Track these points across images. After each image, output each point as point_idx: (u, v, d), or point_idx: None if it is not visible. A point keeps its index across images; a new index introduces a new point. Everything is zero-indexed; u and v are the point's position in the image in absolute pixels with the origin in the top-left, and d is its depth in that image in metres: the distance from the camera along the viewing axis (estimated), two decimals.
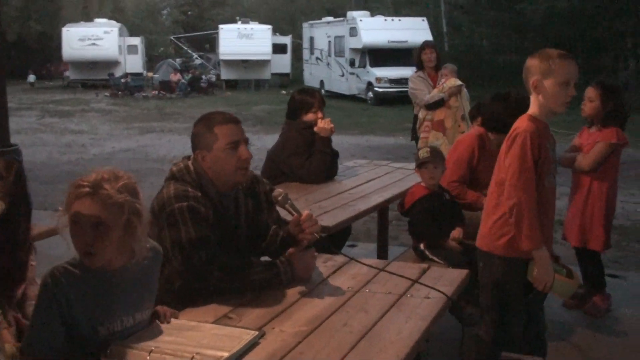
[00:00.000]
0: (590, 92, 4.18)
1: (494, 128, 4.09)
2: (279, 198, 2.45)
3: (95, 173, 1.80)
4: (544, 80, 2.66)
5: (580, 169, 4.16)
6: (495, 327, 2.88)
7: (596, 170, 4.10)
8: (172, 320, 2.03)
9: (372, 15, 25.40)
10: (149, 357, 1.73)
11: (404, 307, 2.21)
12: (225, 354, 1.76)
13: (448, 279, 2.48)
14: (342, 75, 25.12)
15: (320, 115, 4.22)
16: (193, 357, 1.72)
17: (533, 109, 2.76)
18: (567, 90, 2.66)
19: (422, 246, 3.71)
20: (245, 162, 2.43)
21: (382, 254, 4.74)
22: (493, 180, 2.86)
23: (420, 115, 6.39)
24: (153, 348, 1.76)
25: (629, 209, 7.32)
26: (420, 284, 2.40)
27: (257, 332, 1.94)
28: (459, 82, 6.24)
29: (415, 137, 6.73)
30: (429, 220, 3.72)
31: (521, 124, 2.73)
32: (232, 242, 2.44)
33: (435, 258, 3.61)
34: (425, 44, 6.61)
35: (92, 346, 1.80)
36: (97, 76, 29.68)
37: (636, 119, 17.06)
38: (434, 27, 25.31)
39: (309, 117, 4.18)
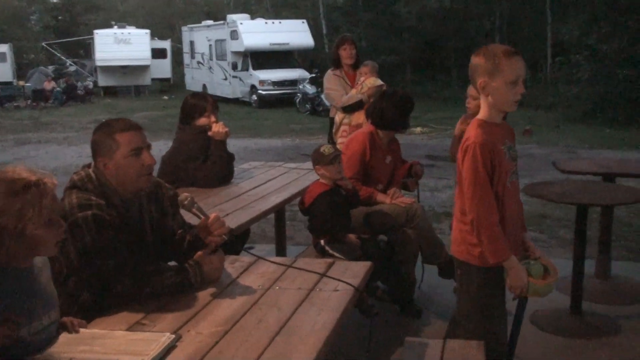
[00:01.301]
0: (473, 90, 4.39)
1: (382, 125, 4.25)
2: (185, 202, 2.45)
3: None
4: (491, 80, 2.54)
5: None
6: (478, 335, 2.75)
7: None
8: (82, 330, 2.00)
9: (253, 18, 25.44)
10: None
11: (315, 301, 2.28)
12: (145, 358, 1.76)
13: (353, 271, 2.58)
14: (225, 79, 25.00)
15: (213, 119, 4.21)
16: None
17: (483, 111, 2.65)
18: (516, 88, 2.54)
19: (322, 242, 3.81)
20: (149, 168, 2.42)
21: (281, 253, 4.81)
22: (457, 182, 2.76)
23: (337, 118, 5.75)
24: (70, 358, 1.73)
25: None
26: (328, 277, 2.48)
27: (173, 336, 1.94)
28: (379, 82, 5.60)
29: (332, 143, 5.87)
30: (330, 216, 3.82)
31: (471, 133, 2.61)
32: (139, 249, 2.41)
33: (335, 253, 3.71)
34: (344, 39, 5.92)
35: (14, 349, 1.75)
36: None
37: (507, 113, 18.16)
38: (314, 29, 25.70)
39: (202, 121, 4.17)
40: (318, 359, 1.87)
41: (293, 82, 22.29)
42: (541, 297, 2.76)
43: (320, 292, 2.36)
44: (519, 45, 24.27)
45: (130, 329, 2.05)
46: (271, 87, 22.67)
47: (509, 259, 2.58)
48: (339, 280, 2.43)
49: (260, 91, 22.69)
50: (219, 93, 25.40)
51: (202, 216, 2.45)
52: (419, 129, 15.30)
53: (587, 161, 5.44)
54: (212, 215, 2.45)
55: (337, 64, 5.85)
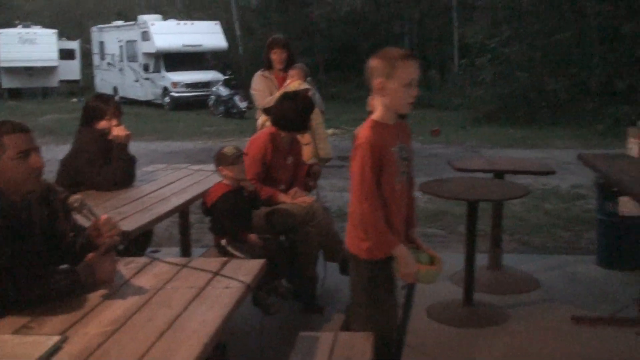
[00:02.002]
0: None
1: (282, 126, 4.35)
2: (75, 204, 2.46)
3: None
4: (387, 82, 2.64)
5: None
6: (371, 324, 2.87)
7: None
8: None
9: (165, 19, 25.07)
10: None
11: (206, 299, 2.34)
12: None
13: (246, 269, 2.65)
14: (137, 80, 24.53)
15: (114, 122, 4.18)
16: None
17: (378, 112, 2.75)
18: (410, 90, 2.66)
19: (223, 242, 3.87)
20: (37, 170, 2.40)
21: (185, 255, 4.83)
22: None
23: (260, 120, 5.61)
24: None
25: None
26: (221, 275, 2.55)
27: (59, 337, 1.96)
28: (305, 86, 5.41)
29: None
30: (231, 216, 3.89)
31: (363, 133, 2.71)
32: (27, 253, 2.40)
33: (236, 253, 3.78)
34: (274, 42, 5.69)
35: None
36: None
37: (415, 113, 18.70)
38: (228, 31, 25.59)
39: (103, 124, 4.14)
40: (204, 352, 1.93)
41: (206, 84, 22.14)
42: (430, 283, 2.96)
43: (212, 290, 2.43)
44: (427, 48, 25.11)
45: (16, 332, 2.05)
46: (184, 89, 22.43)
47: (397, 248, 2.73)
48: (230, 277, 2.50)
49: (172, 93, 22.39)
50: (130, 95, 24.92)
51: (92, 218, 2.47)
52: (331, 131, 15.52)
53: (479, 159, 5.74)
54: (102, 217, 2.47)
55: (268, 66, 5.69)
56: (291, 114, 4.29)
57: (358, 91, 24.14)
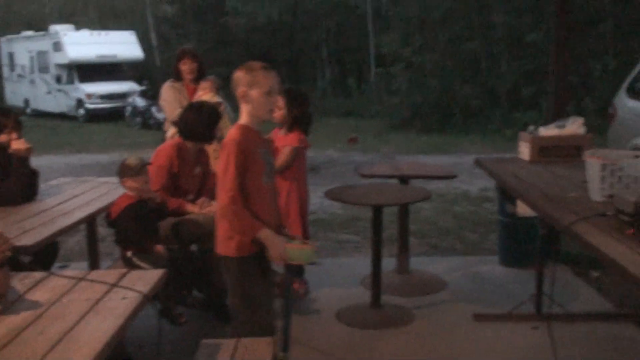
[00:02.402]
0: (279, 100, 4.62)
1: (189, 137, 4.36)
2: None
3: None
4: (250, 90, 2.91)
5: None
6: (249, 327, 2.99)
7: (283, 172, 4.54)
8: None
9: (77, 29, 24.44)
10: None
11: (102, 310, 2.34)
12: None
13: (146, 279, 2.65)
14: (49, 92, 23.79)
15: (14, 135, 4.09)
16: None
17: (243, 117, 2.99)
18: (270, 98, 2.95)
19: (129, 254, 3.85)
20: None
21: (94, 269, 4.74)
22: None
23: (170, 133, 5.36)
24: None
25: (326, 204, 8.12)
26: (118, 286, 2.55)
27: None
28: (217, 99, 5.36)
29: None
30: (136, 227, 3.87)
31: (229, 134, 2.94)
32: None
33: (142, 264, 3.76)
34: (184, 52, 5.61)
35: None
36: None
37: (334, 122, 18.95)
38: (144, 41, 25.21)
39: (2, 138, 4.04)
40: None
41: (122, 95, 21.71)
42: (304, 262, 3.18)
43: (108, 301, 2.42)
44: (345, 57, 25.49)
45: None
46: (99, 101, 21.93)
47: (261, 231, 2.88)
48: (127, 288, 2.51)
49: (87, 105, 21.86)
50: (42, 108, 24.17)
51: None
52: None
53: (385, 165, 5.90)
54: None
55: (177, 76, 5.59)
56: (196, 125, 4.32)
57: None
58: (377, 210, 4.34)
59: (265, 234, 2.89)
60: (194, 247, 4.45)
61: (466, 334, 4.20)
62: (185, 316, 3.92)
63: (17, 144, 4.05)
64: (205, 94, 5.43)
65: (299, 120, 4.56)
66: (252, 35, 25.16)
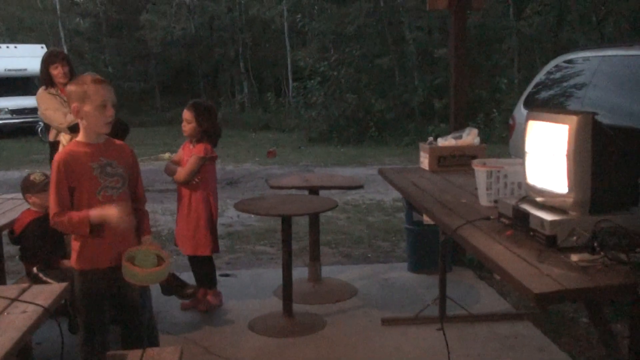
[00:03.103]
0: (187, 114, 4.65)
1: None
2: None
3: None
4: (82, 105, 2.91)
5: (178, 181, 4.63)
6: (84, 340, 3.09)
7: (190, 182, 4.59)
8: None
9: None
10: None
11: (0, 324, 2.34)
12: None
13: (48, 292, 2.66)
14: None
15: None
16: None
17: (80, 133, 3.02)
18: (105, 111, 2.93)
19: (35, 270, 3.80)
20: None
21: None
22: None
23: (63, 140, 5.17)
24: None
25: (243, 216, 8.17)
26: (19, 301, 2.54)
27: None
28: None
29: None
30: (42, 242, 3.82)
31: (57, 153, 3.04)
32: None
33: (48, 279, 3.72)
34: (52, 56, 5.33)
35: None
36: None
37: (252, 136, 18.97)
38: None
39: None
40: None
41: (34, 110, 20.91)
42: (155, 283, 3.19)
43: (7, 315, 2.42)
44: (263, 71, 25.60)
45: None
46: (9, 116, 21.16)
47: (90, 215, 2.90)
48: (28, 302, 2.51)
49: None
50: None
51: None
52: (167, 155, 15.38)
53: (295, 177, 6.02)
54: None
55: (49, 82, 5.28)
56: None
57: None
58: (286, 220, 4.44)
59: (95, 212, 2.90)
60: None
61: (374, 338, 4.35)
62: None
63: None
64: None
65: (208, 133, 4.62)
66: (169, 49, 24.95)
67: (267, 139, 18.58)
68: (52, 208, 2.91)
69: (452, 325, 4.36)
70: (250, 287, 5.40)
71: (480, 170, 3.08)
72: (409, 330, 4.42)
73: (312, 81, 18.41)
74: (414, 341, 4.27)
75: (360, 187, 5.45)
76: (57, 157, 2.97)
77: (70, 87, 2.94)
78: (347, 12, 18.78)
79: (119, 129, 4.42)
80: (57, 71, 5.25)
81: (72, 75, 5.24)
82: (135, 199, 3.17)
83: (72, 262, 3.07)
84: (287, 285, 4.54)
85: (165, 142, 17.76)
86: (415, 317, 4.54)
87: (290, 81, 22.99)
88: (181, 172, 4.59)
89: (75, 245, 3.03)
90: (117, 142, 3.16)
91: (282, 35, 23.95)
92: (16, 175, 13.33)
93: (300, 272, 5.31)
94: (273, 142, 17.44)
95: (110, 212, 2.91)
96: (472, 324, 4.48)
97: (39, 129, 19.75)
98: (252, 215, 8.57)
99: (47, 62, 5.28)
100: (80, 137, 3.01)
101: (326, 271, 5.57)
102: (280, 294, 4.80)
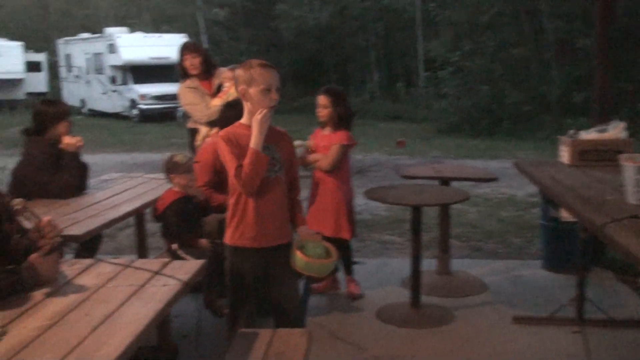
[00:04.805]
0: (322, 99, 4.67)
1: None
2: (17, 207, 2.56)
3: None
4: (248, 88, 2.98)
5: (321, 168, 4.65)
6: (232, 310, 3.22)
7: (334, 170, 4.60)
8: None
9: (131, 31, 25.07)
10: None
11: (143, 295, 2.45)
12: None
13: (186, 269, 2.77)
14: (104, 93, 24.47)
15: (66, 130, 4.23)
16: None
17: (244, 116, 3.09)
18: (269, 95, 2.99)
19: (174, 247, 3.98)
20: None
21: None
22: None
23: (203, 130, 5.33)
24: None
25: (371, 205, 8.16)
26: (160, 274, 2.66)
27: None
28: None
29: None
30: (181, 222, 4.00)
31: (223, 130, 3.10)
32: None
33: (186, 257, 3.88)
34: (184, 48, 5.45)
35: None
36: None
37: (381, 126, 18.94)
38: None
39: (63, 125, 4.17)
40: (135, 343, 2.05)
41: (174, 97, 22.00)
42: (323, 274, 3.19)
43: (150, 287, 2.54)
44: (393, 61, 25.45)
45: None
46: (152, 102, 22.45)
47: (250, 149, 2.95)
48: (168, 276, 2.62)
49: (140, 105, 22.41)
50: (98, 107, 24.86)
51: (34, 220, 2.57)
52: (298, 142, 15.66)
53: (426, 167, 5.92)
54: (44, 219, 2.57)
55: (185, 75, 5.43)
56: (235, 121, 4.40)
57: None
58: (417, 210, 4.36)
59: (253, 143, 2.95)
60: None
61: (505, 335, 4.19)
62: (227, 308, 4.02)
63: (68, 140, 4.21)
64: (233, 85, 5.04)
65: (343, 118, 4.62)
66: (301, 39, 25.36)
67: (396, 129, 18.45)
68: (231, 167, 2.97)
69: (590, 329, 4.12)
70: (377, 276, 5.37)
71: (629, 166, 2.86)
72: (542, 331, 4.22)
73: (443, 71, 18.07)
74: (548, 342, 4.07)
75: (495, 179, 5.27)
76: (221, 133, 3.07)
77: (239, 71, 3.01)
78: (481, 0, 18.23)
79: None
80: (188, 62, 5.39)
81: (207, 66, 5.43)
82: (290, 187, 3.22)
83: (225, 237, 3.16)
84: (416, 276, 4.48)
85: (296, 129, 18.10)
86: (550, 317, 4.33)
87: (421, 71, 22.69)
88: (324, 161, 4.58)
89: (231, 221, 3.11)
90: (278, 128, 3.19)
91: (413, 25, 23.67)
92: (157, 157, 14.08)
93: (428, 264, 5.22)
94: (402, 133, 17.29)
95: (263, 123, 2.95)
96: (613, 329, 4.21)
97: (179, 115, 20.79)
98: (380, 204, 8.61)
99: (179, 54, 5.47)
100: (244, 119, 3.08)
101: (455, 264, 5.44)
102: (408, 284, 4.74)
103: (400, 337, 4.21)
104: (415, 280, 4.50)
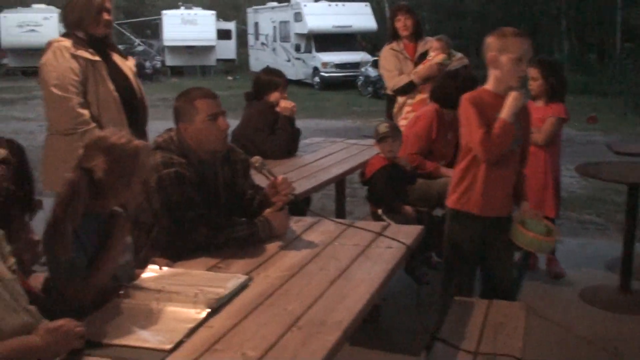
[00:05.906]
0: (533, 71, 4.48)
1: (445, 104, 4.42)
2: (257, 164, 2.74)
3: None
4: (500, 55, 2.90)
5: (535, 142, 4.48)
6: (446, 275, 3.23)
7: (548, 144, 4.42)
8: (167, 269, 2.30)
9: (316, 0, 25.64)
10: (158, 296, 1.99)
11: (370, 255, 2.53)
12: (223, 291, 2.04)
13: (405, 233, 2.80)
14: (288, 60, 25.31)
15: (284, 95, 4.48)
16: (196, 294, 1.99)
17: (489, 82, 3.01)
18: (520, 65, 2.91)
19: (380, 211, 4.06)
20: (224, 132, 2.70)
21: None
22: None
23: (400, 99, 5.27)
24: (160, 288, 2.03)
25: (565, 182, 7.77)
26: (383, 236, 2.72)
27: (246, 276, 2.23)
28: (463, 61, 5.28)
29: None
30: (388, 188, 4.07)
31: (468, 94, 3.04)
32: (213, 204, 2.70)
33: (391, 222, 3.94)
34: (398, 9, 5.37)
35: None
36: (38, 63, 28.89)
37: (570, 99, 17.89)
38: (377, 12, 25.72)
39: (275, 96, 4.42)
40: (371, 300, 2.12)
41: (355, 65, 22.42)
42: (543, 252, 3.42)
43: (375, 248, 2.61)
44: (585, 31, 23.85)
45: (209, 270, 2.34)
46: (333, 70, 22.89)
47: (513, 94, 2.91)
48: (392, 239, 2.67)
49: (322, 73, 22.93)
50: None
51: (271, 177, 2.72)
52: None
53: None
54: (279, 177, 2.72)
55: (394, 35, 5.32)
56: (454, 93, 4.35)
57: None
58: (633, 189, 4.09)
59: (506, 114, 2.90)
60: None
61: None
62: (428, 276, 4.05)
63: (285, 104, 4.42)
64: (438, 54, 5.15)
65: (557, 90, 4.42)
66: (487, 7, 24.52)
67: (587, 103, 17.34)
68: (477, 132, 2.91)
69: None
70: (578, 257, 5.12)
71: None
72: None
73: None
74: None
75: None
76: (467, 96, 3.02)
77: (491, 38, 2.94)
78: None
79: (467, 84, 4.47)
80: (400, 23, 5.26)
81: (417, 30, 5.31)
82: (520, 159, 3.17)
83: (448, 201, 3.19)
84: (627, 259, 4.22)
85: None
86: None
87: (619, 42, 21.08)
88: (540, 135, 4.39)
89: (458, 186, 3.10)
90: None
91: None
92: (340, 124, 14.43)
93: (637, 248, 4.88)
94: (593, 108, 16.22)
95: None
96: None
97: (359, 83, 21.06)
98: (574, 181, 8.18)
99: (392, 14, 5.45)
100: (489, 85, 3.02)
101: None
102: (612, 267, 4.49)
103: (608, 320, 4.00)
104: (626, 263, 4.24)
